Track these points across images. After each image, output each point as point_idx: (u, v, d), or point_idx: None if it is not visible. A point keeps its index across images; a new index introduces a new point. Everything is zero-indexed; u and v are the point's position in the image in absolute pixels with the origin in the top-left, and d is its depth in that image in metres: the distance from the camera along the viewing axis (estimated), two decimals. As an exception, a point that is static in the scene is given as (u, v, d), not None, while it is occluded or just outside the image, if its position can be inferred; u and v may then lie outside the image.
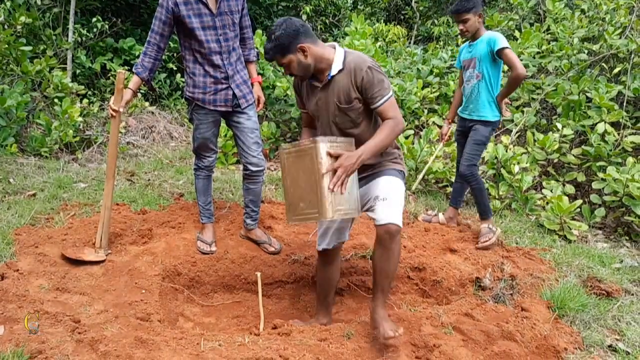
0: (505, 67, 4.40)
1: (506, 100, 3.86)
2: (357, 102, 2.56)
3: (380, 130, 2.50)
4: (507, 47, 3.53)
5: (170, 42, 6.57)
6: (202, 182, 3.56)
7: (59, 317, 2.60)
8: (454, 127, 4.31)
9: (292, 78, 2.78)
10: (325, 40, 7.59)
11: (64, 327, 2.54)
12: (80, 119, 5.13)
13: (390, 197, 2.55)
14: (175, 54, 6.60)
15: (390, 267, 2.57)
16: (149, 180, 4.65)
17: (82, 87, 5.57)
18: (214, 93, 3.26)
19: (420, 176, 4.79)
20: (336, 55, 2.56)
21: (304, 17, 7.92)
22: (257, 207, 3.65)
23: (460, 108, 4.00)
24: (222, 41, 3.20)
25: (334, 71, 2.55)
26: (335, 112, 2.61)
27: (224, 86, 3.27)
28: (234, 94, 3.30)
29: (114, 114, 3.14)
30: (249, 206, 3.63)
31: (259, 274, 3.39)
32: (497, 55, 3.58)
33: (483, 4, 3.52)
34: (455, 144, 4.20)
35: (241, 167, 5.30)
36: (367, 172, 2.71)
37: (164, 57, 6.36)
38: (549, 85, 5.40)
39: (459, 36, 3.72)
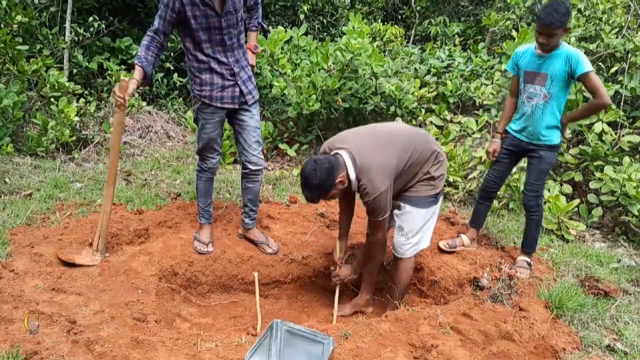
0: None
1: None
2: None
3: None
4: (592, 71, 3.09)
5: (167, 42, 6.55)
6: (204, 184, 3.54)
7: (55, 317, 2.59)
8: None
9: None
10: (322, 40, 7.59)
11: (60, 327, 2.53)
12: (76, 118, 5.11)
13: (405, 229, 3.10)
14: (172, 54, 6.57)
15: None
16: (145, 179, 4.63)
17: (79, 86, 5.53)
18: (221, 90, 3.24)
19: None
20: (350, 175, 2.81)
21: (302, 16, 7.91)
22: (255, 206, 3.64)
23: (512, 125, 3.51)
24: (227, 40, 3.17)
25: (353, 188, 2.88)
26: None
27: (231, 83, 3.25)
28: (240, 90, 3.29)
29: (120, 100, 3.00)
30: (247, 205, 3.62)
31: (256, 274, 3.38)
32: (577, 79, 3.16)
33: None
34: (495, 161, 3.63)
35: (239, 166, 5.29)
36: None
37: (162, 56, 6.36)
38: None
39: (537, 47, 3.23)
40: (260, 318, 3.16)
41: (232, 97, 3.28)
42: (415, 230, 3.07)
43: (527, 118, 3.36)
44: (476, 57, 6.62)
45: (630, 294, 3.33)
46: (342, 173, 2.76)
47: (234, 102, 3.30)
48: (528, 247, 3.56)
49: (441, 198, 3.16)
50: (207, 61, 3.17)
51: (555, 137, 3.33)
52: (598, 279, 3.40)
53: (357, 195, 2.97)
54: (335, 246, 3.33)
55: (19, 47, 5.07)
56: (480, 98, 5.86)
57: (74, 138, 5.09)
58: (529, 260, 3.51)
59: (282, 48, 5.82)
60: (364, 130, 3.06)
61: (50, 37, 5.59)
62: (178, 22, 3.07)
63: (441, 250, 3.68)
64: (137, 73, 3.05)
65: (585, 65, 3.09)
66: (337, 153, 2.82)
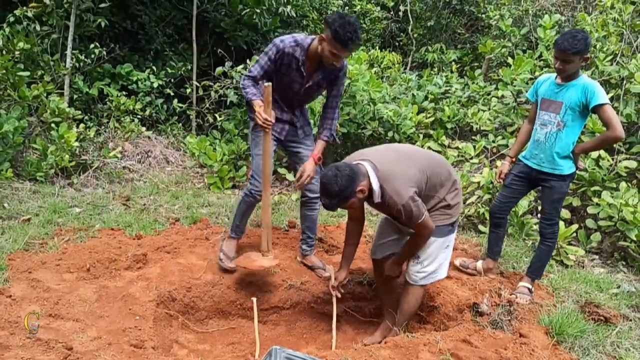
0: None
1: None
2: None
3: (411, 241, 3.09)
4: (607, 103, 3.11)
5: (167, 68, 6.63)
6: (247, 205, 3.61)
7: (52, 344, 2.56)
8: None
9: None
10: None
11: (56, 354, 2.50)
12: (76, 143, 5.13)
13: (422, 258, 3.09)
14: (172, 80, 6.64)
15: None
16: (144, 204, 4.64)
17: (79, 112, 5.57)
18: (275, 120, 3.33)
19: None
20: (373, 185, 2.77)
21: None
22: (313, 233, 3.75)
23: (525, 152, 3.56)
24: (295, 102, 3.43)
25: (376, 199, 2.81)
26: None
27: (286, 119, 3.46)
28: (288, 129, 3.47)
29: (269, 124, 3.13)
30: (305, 232, 3.73)
31: (254, 299, 3.36)
32: (591, 110, 3.19)
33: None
34: (504, 185, 3.69)
35: (237, 191, 5.30)
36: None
37: (161, 82, 6.44)
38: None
39: (557, 74, 3.33)
40: (259, 344, 3.13)
41: (281, 130, 3.47)
42: (431, 259, 3.06)
43: (539, 145, 3.40)
44: (473, 83, 6.70)
45: (630, 320, 3.31)
46: (363, 182, 2.72)
47: (281, 134, 3.48)
48: (534, 272, 3.55)
49: (457, 227, 3.16)
50: (275, 100, 3.31)
51: (566, 168, 3.33)
52: (598, 304, 3.39)
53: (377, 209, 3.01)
54: (332, 274, 3.34)
55: (20, 73, 5.12)
56: (477, 124, 5.91)
57: (73, 163, 5.10)
58: (530, 286, 3.50)
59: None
60: (383, 146, 3.16)
61: (52, 63, 5.65)
62: (270, 71, 3.29)
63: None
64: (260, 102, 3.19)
65: (601, 97, 3.11)
66: (358, 163, 2.81)
